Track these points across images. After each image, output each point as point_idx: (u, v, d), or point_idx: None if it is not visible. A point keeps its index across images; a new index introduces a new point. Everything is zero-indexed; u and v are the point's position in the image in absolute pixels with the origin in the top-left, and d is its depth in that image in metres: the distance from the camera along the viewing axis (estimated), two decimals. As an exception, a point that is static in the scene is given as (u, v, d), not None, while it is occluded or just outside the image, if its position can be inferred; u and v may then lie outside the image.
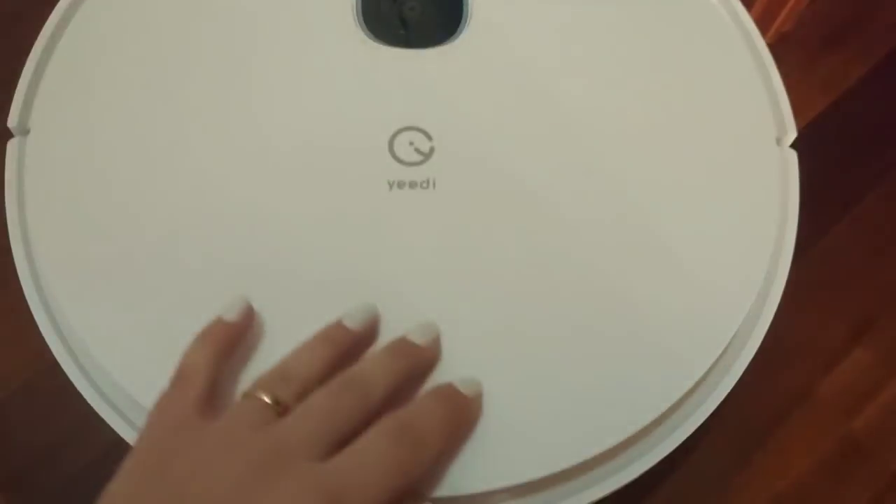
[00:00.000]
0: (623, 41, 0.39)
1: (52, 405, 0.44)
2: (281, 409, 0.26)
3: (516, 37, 0.39)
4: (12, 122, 0.36)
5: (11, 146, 0.36)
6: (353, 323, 0.30)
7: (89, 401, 0.31)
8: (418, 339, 0.30)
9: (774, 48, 0.51)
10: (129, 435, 0.31)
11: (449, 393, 0.29)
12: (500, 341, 0.32)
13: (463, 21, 0.40)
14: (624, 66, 0.39)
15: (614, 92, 0.38)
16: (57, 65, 0.38)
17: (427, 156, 0.36)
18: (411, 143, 0.36)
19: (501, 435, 0.30)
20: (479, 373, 0.31)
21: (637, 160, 0.36)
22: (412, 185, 0.35)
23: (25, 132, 0.36)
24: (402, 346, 0.30)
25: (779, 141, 0.38)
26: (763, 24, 0.50)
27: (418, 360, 0.30)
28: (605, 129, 0.37)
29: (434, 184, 0.35)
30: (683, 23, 0.41)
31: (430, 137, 0.36)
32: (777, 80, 0.39)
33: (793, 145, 0.38)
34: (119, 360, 0.31)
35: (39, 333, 0.32)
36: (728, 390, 0.32)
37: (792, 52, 0.52)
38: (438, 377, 0.31)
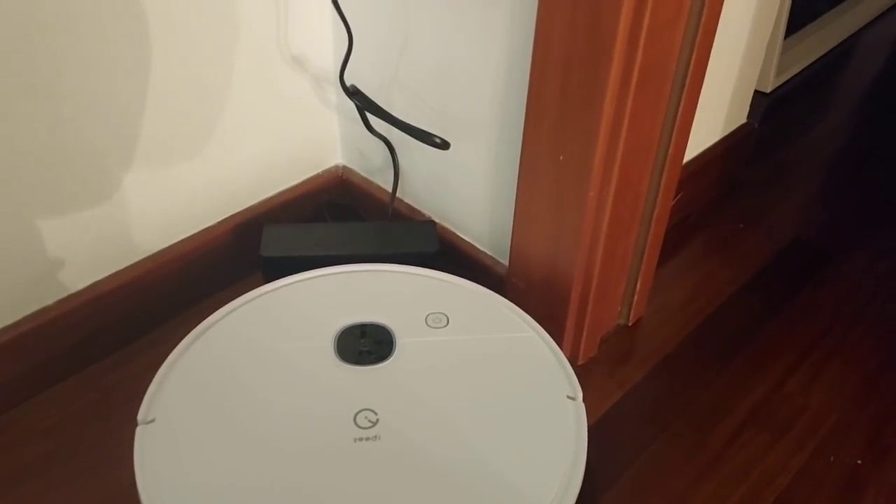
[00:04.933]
0: (480, 359, 0.71)
1: None
2: None
3: (419, 359, 0.71)
4: (140, 415, 0.64)
5: (139, 433, 0.63)
6: None
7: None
8: None
9: (586, 366, 0.84)
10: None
11: None
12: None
13: (392, 351, 0.72)
14: (479, 374, 0.70)
15: (472, 387, 0.69)
16: (175, 379, 0.67)
17: (374, 423, 0.65)
18: (366, 417, 0.65)
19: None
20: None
21: (479, 427, 0.65)
22: (366, 439, 0.63)
23: (149, 422, 0.64)
24: None
25: (574, 399, 0.68)
26: (575, 353, 0.84)
27: None
28: (458, 410, 0.67)
29: (379, 438, 0.64)
30: (519, 350, 0.73)
31: (376, 413, 0.65)
32: (574, 378, 0.70)
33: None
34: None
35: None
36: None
37: (599, 366, 0.86)
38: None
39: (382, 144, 0.92)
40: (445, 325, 0.75)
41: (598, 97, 0.65)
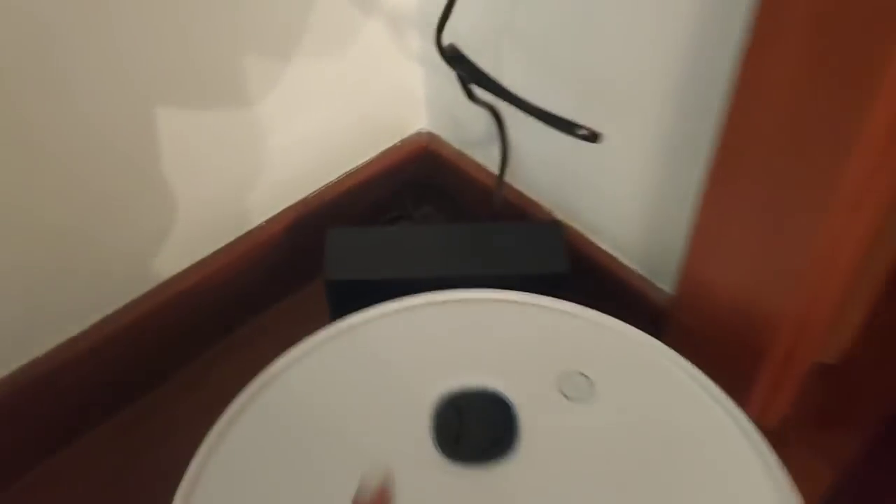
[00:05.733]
0: (644, 449, 0.48)
1: None
2: None
3: (556, 455, 0.48)
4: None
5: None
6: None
7: None
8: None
9: (779, 430, 0.60)
10: None
11: None
12: None
13: (516, 440, 0.49)
14: (644, 474, 0.47)
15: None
16: (214, 474, 0.48)
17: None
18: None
19: None
20: None
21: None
22: None
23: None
24: None
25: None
26: (765, 413, 0.60)
27: None
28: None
29: None
30: (700, 438, 0.50)
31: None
32: (786, 483, 0.47)
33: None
34: None
35: None
36: None
37: (796, 432, 0.61)
38: None
39: (485, 111, 0.67)
40: (588, 395, 0.52)
41: (869, 75, 0.38)
